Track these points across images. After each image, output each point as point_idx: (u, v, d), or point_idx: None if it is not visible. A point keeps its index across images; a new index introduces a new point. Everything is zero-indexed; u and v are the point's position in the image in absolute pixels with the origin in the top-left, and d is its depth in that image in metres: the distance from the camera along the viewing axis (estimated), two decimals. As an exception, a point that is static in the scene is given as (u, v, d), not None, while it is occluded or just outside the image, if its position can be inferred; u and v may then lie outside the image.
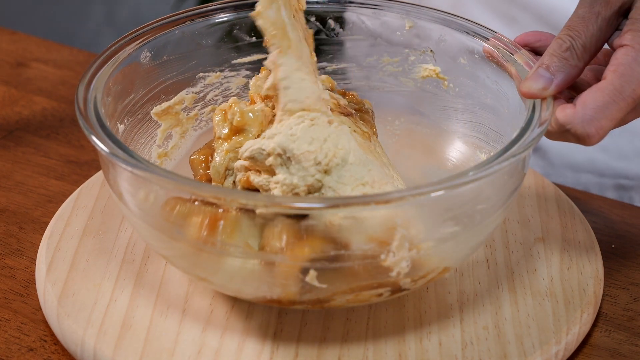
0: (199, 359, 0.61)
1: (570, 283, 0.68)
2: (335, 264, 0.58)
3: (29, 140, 0.88)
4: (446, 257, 0.62)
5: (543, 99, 0.63)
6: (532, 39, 0.70)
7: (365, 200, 0.56)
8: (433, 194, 0.56)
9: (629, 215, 0.78)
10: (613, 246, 0.75)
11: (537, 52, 0.69)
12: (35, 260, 0.72)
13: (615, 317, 0.68)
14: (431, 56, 0.76)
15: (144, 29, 0.71)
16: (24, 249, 0.73)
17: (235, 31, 0.75)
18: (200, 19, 0.74)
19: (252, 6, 0.71)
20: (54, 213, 0.75)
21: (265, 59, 0.76)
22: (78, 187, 0.78)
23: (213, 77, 0.75)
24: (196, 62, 0.74)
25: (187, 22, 0.73)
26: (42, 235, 0.73)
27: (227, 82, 0.76)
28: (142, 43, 0.70)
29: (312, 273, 0.58)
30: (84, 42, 2.24)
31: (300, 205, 0.56)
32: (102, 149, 0.59)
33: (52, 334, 0.66)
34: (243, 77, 0.77)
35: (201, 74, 0.75)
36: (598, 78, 0.65)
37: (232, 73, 0.76)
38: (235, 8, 0.75)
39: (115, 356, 0.61)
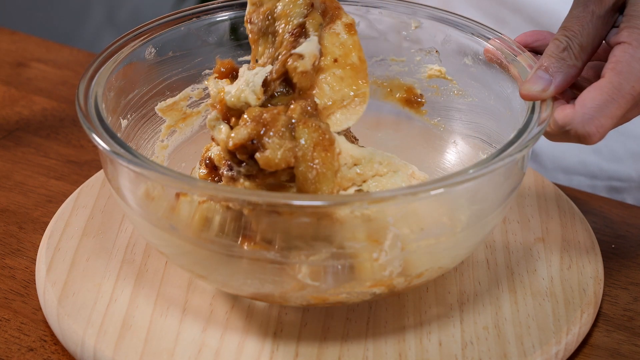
0: (199, 359, 0.61)
1: (570, 283, 0.68)
2: (328, 262, 0.58)
3: (29, 140, 0.88)
4: (441, 257, 0.62)
5: (543, 100, 0.63)
6: (530, 39, 0.70)
7: (359, 199, 0.56)
8: (433, 192, 0.56)
9: (629, 215, 0.78)
10: (613, 246, 0.75)
11: (536, 52, 0.69)
12: (35, 260, 0.72)
13: (615, 317, 0.68)
14: (437, 57, 0.76)
15: (148, 26, 0.71)
16: (24, 249, 0.73)
17: (240, 29, 0.76)
18: (206, 16, 0.74)
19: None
20: (54, 213, 0.75)
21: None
22: (78, 187, 0.78)
23: None
24: (201, 59, 0.74)
25: (193, 19, 0.73)
26: (42, 235, 0.73)
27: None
28: (147, 39, 0.70)
29: (305, 270, 0.58)
30: (84, 42, 2.24)
31: (296, 203, 0.56)
32: (101, 146, 0.59)
33: (52, 334, 0.66)
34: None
35: (207, 71, 0.75)
36: (598, 75, 0.65)
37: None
38: (241, 6, 0.75)
39: (115, 356, 0.61)
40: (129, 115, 0.69)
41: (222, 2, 0.74)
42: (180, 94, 0.74)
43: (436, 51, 0.76)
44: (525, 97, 0.64)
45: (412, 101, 0.77)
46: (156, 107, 0.72)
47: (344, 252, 0.58)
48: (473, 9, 0.94)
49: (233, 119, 0.63)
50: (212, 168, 0.68)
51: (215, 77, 0.67)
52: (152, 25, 0.71)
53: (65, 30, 2.24)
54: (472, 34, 0.72)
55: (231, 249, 0.59)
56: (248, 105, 0.63)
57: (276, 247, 0.58)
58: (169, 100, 0.73)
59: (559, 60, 0.63)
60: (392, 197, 0.56)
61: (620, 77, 0.61)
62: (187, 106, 0.75)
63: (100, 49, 0.69)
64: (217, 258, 0.60)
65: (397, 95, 0.78)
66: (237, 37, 0.76)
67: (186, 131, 0.75)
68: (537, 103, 0.63)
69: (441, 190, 0.56)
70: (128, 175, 0.61)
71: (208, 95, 0.76)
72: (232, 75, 0.68)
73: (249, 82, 0.63)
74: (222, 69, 0.68)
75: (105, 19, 2.30)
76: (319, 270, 0.59)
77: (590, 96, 0.61)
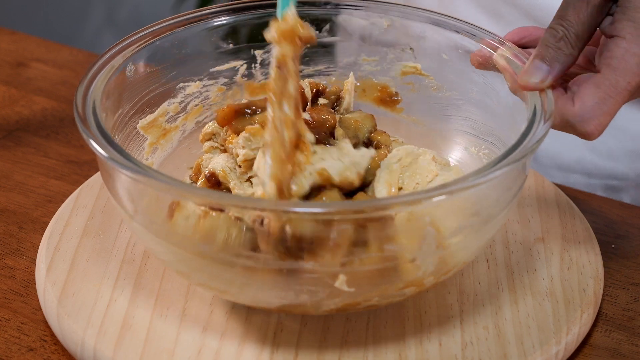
0: None
1: (570, 283, 0.68)
2: (366, 267, 0.58)
3: (29, 140, 0.88)
4: (466, 253, 0.62)
5: (541, 90, 0.63)
6: (516, 37, 0.71)
7: (397, 202, 0.56)
8: (435, 199, 0.56)
9: (629, 215, 0.78)
10: (613, 246, 0.75)
11: (524, 48, 0.70)
12: (35, 260, 0.72)
13: (615, 317, 0.68)
14: (411, 53, 0.76)
15: (125, 42, 0.69)
16: (24, 249, 0.73)
17: (213, 38, 0.75)
18: (179, 29, 0.72)
19: (229, 13, 0.70)
20: (54, 213, 0.75)
21: (242, 65, 0.75)
22: (78, 187, 0.78)
23: (193, 86, 0.75)
24: (176, 72, 0.73)
25: (167, 33, 0.71)
26: (42, 235, 0.73)
27: (207, 90, 0.75)
28: (129, 55, 0.69)
29: (342, 278, 0.58)
30: (84, 42, 2.24)
31: (302, 210, 0.56)
32: (103, 155, 0.58)
33: (52, 334, 0.66)
34: (221, 84, 0.76)
35: (181, 84, 0.74)
36: (588, 59, 0.66)
37: (211, 81, 0.76)
38: (213, 15, 0.74)
39: (115, 356, 0.61)
40: (116, 136, 0.67)
41: (192, 15, 0.73)
42: (158, 109, 0.72)
43: (410, 48, 0.76)
44: (523, 88, 0.64)
45: (387, 100, 0.77)
46: (138, 125, 0.71)
47: (383, 255, 0.57)
48: (470, 3, 0.94)
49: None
50: (216, 184, 0.67)
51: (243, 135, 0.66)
52: (127, 41, 0.69)
53: (65, 30, 2.24)
54: (448, 28, 0.73)
55: (265, 263, 0.58)
56: (352, 184, 0.63)
57: (314, 256, 0.57)
58: (149, 117, 0.72)
59: (555, 50, 0.64)
60: (429, 196, 0.56)
61: (616, 74, 0.62)
62: (166, 121, 0.73)
63: (100, 49, 0.68)
64: (243, 273, 0.59)
65: (372, 95, 0.78)
66: (210, 47, 0.75)
67: (167, 147, 0.74)
68: (539, 103, 0.62)
69: (477, 187, 0.56)
70: (129, 185, 0.60)
71: (184, 109, 0.74)
72: (235, 115, 0.68)
73: (356, 163, 0.63)
74: (224, 117, 0.68)
75: (105, 19, 2.30)
76: (356, 276, 0.58)
77: (588, 93, 0.62)
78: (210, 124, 0.72)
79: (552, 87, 0.64)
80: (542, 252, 0.71)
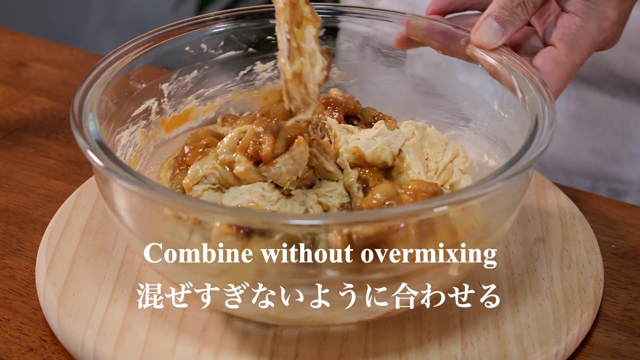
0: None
1: (570, 283, 0.68)
2: (440, 262, 0.58)
3: (29, 140, 0.88)
4: (498, 241, 0.64)
5: (493, 49, 0.66)
6: (442, 6, 0.73)
7: (476, 194, 0.56)
8: (436, 210, 0.56)
9: (629, 215, 0.78)
10: (613, 246, 0.75)
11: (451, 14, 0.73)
12: (35, 260, 0.72)
13: (615, 317, 0.68)
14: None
15: (94, 72, 0.67)
16: (24, 249, 0.73)
17: (130, 82, 0.72)
18: (135, 62, 0.70)
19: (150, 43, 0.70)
20: (54, 213, 0.75)
21: (153, 103, 0.73)
22: (78, 187, 0.78)
23: (125, 135, 0.71)
24: (113, 126, 0.69)
25: (121, 65, 0.69)
26: (42, 235, 0.73)
27: (134, 137, 0.72)
28: (104, 90, 0.67)
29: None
30: (84, 42, 2.24)
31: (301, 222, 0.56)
32: (98, 164, 0.58)
33: (52, 334, 0.66)
34: (142, 128, 0.73)
35: (117, 137, 0.70)
36: None
37: (134, 127, 0.72)
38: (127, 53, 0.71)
39: (115, 356, 0.61)
40: None
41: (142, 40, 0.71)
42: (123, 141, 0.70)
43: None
44: (475, 45, 0.67)
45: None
46: None
47: (448, 249, 0.58)
48: None
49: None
50: None
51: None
52: (96, 70, 0.67)
53: (65, 30, 2.24)
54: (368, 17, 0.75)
55: (357, 276, 0.57)
56: (385, 163, 0.66)
57: (399, 261, 0.57)
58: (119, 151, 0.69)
59: (512, 14, 0.66)
60: (484, 193, 0.56)
61: (572, 52, 0.65)
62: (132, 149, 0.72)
63: (100, 49, 0.67)
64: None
65: (274, 98, 0.77)
66: (128, 91, 0.72)
67: None
68: (540, 114, 0.62)
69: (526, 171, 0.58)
70: (125, 196, 0.60)
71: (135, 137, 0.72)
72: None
73: (390, 143, 0.67)
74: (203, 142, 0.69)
75: (105, 19, 2.30)
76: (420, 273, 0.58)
77: (549, 70, 0.65)
78: (195, 167, 0.67)
79: (503, 45, 0.67)
80: (542, 252, 0.71)
